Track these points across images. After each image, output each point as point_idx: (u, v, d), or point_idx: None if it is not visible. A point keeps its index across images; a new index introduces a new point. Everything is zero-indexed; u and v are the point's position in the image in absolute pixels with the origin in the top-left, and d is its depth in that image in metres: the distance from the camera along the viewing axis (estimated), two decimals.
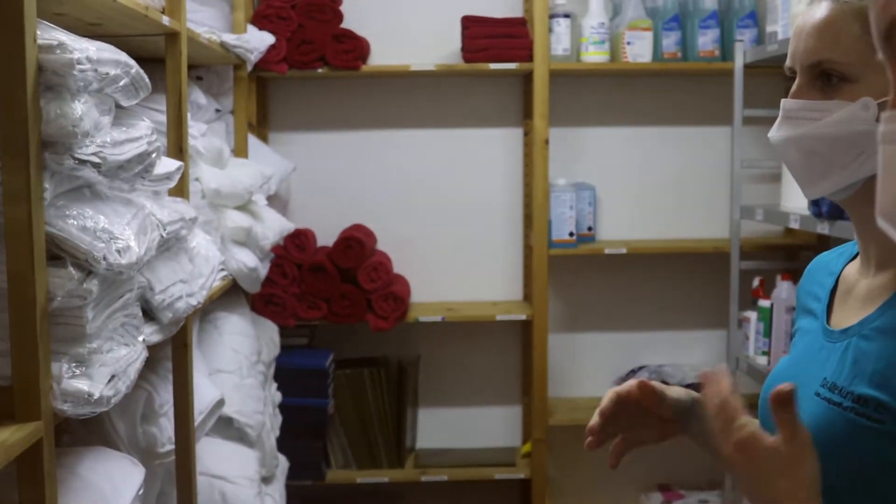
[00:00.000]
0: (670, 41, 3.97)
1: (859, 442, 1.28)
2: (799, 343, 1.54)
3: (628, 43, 3.93)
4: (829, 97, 1.36)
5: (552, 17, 3.92)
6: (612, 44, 3.97)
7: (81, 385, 1.57)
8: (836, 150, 1.35)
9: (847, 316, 1.43)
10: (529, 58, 3.87)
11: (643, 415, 1.52)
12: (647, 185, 4.23)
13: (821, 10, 1.37)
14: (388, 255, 4.06)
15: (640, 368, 4.18)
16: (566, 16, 3.96)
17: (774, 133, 1.42)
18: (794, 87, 1.40)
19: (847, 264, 1.52)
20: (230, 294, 3.35)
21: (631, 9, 3.96)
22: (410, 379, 4.08)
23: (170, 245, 2.15)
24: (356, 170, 4.19)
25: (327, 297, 3.86)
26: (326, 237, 4.00)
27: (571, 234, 3.98)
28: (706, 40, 3.96)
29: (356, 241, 3.86)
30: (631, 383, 1.51)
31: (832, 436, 1.28)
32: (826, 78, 1.36)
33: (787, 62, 1.43)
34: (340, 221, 4.08)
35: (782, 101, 1.40)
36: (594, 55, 3.94)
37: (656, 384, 1.52)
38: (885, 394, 1.27)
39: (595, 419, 1.52)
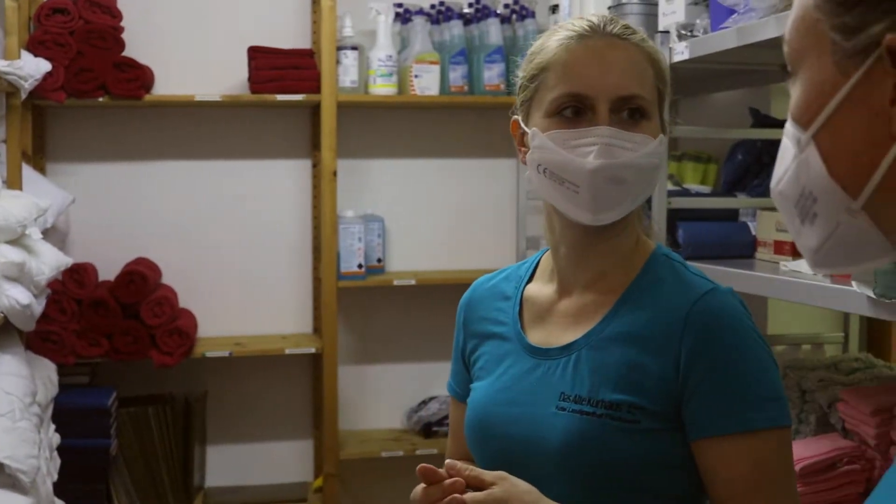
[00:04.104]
0: (457, 75, 4.03)
1: (617, 442, 1.39)
2: (495, 367, 1.56)
3: (416, 76, 3.97)
4: (633, 131, 1.44)
5: (340, 49, 3.93)
6: (399, 77, 4.00)
7: None
8: (639, 181, 1.44)
9: (554, 333, 1.52)
10: (317, 89, 3.86)
11: None
12: (436, 216, 4.27)
13: (619, 48, 1.45)
14: (174, 289, 3.95)
15: (431, 399, 4.21)
16: (354, 48, 3.97)
17: (594, 159, 1.41)
18: (600, 117, 1.42)
19: (524, 287, 1.60)
20: (2, 332, 3.19)
21: (419, 42, 4.01)
22: (198, 415, 3.97)
23: None
24: (140, 202, 4.06)
25: (109, 333, 3.72)
26: (109, 271, 3.86)
27: (360, 266, 3.97)
28: (492, 74, 4.04)
29: (139, 275, 3.74)
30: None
31: (589, 441, 1.39)
32: (630, 113, 1.44)
33: (577, 88, 1.44)
34: (123, 255, 3.94)
35: (602, 128, 1.42)
36: (382, 87, 3.96)
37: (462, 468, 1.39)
38: (635, 396, 1.39)
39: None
